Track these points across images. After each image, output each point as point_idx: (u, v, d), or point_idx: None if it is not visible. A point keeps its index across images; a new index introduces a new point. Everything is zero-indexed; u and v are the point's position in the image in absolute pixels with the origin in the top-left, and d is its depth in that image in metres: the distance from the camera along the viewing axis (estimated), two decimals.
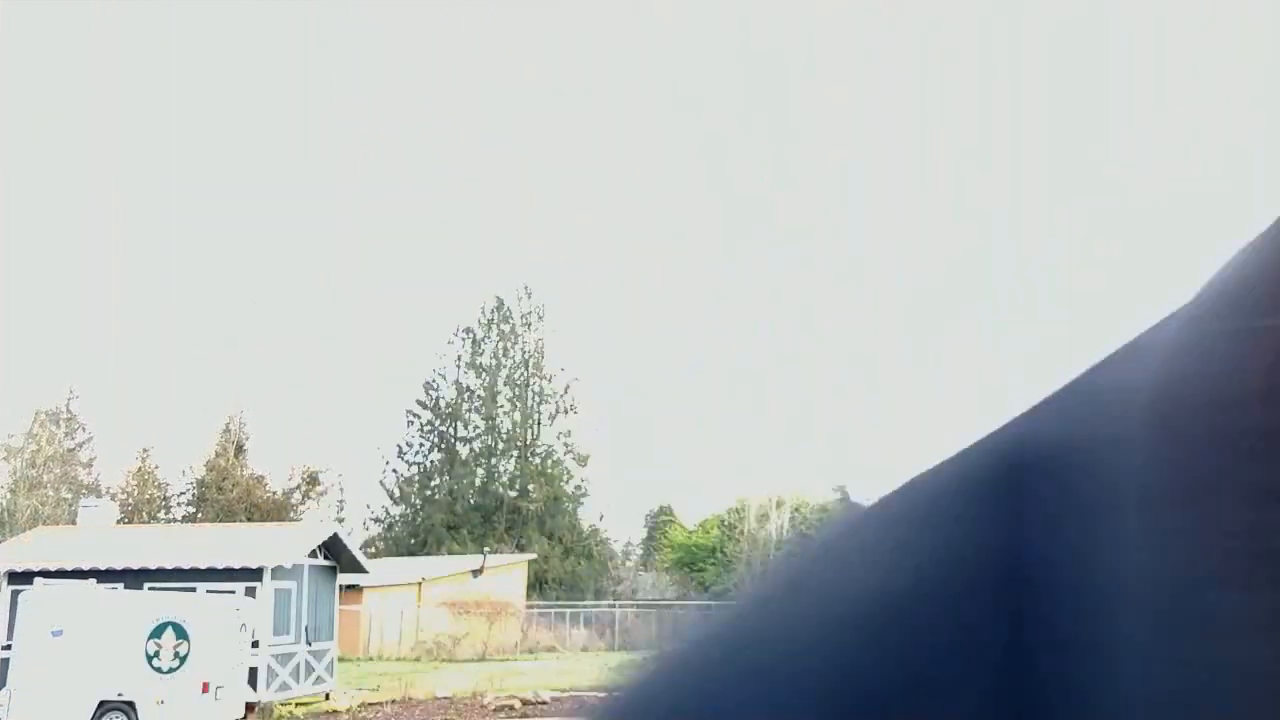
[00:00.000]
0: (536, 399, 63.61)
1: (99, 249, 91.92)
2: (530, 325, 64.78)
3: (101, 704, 15.82)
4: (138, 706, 15.77)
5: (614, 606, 51.10)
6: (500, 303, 64.62)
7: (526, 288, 65.08)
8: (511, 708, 18.47)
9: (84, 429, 58.21)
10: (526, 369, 63.76)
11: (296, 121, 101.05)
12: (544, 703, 19.20)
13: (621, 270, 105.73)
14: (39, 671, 16.04)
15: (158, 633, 16.19)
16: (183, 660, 16.05)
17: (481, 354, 64.03)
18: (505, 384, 63.57)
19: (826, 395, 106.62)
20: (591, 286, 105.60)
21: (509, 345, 64.20)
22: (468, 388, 63.58)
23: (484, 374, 63.59)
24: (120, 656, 16.02)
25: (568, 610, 49.44)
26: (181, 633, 16.18)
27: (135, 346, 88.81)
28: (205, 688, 15.98)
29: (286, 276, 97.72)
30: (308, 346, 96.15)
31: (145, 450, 53.07)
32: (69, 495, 50.21)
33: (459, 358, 63.95)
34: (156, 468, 53.32)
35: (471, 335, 64.19)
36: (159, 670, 16.01)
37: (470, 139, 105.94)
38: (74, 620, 16.36)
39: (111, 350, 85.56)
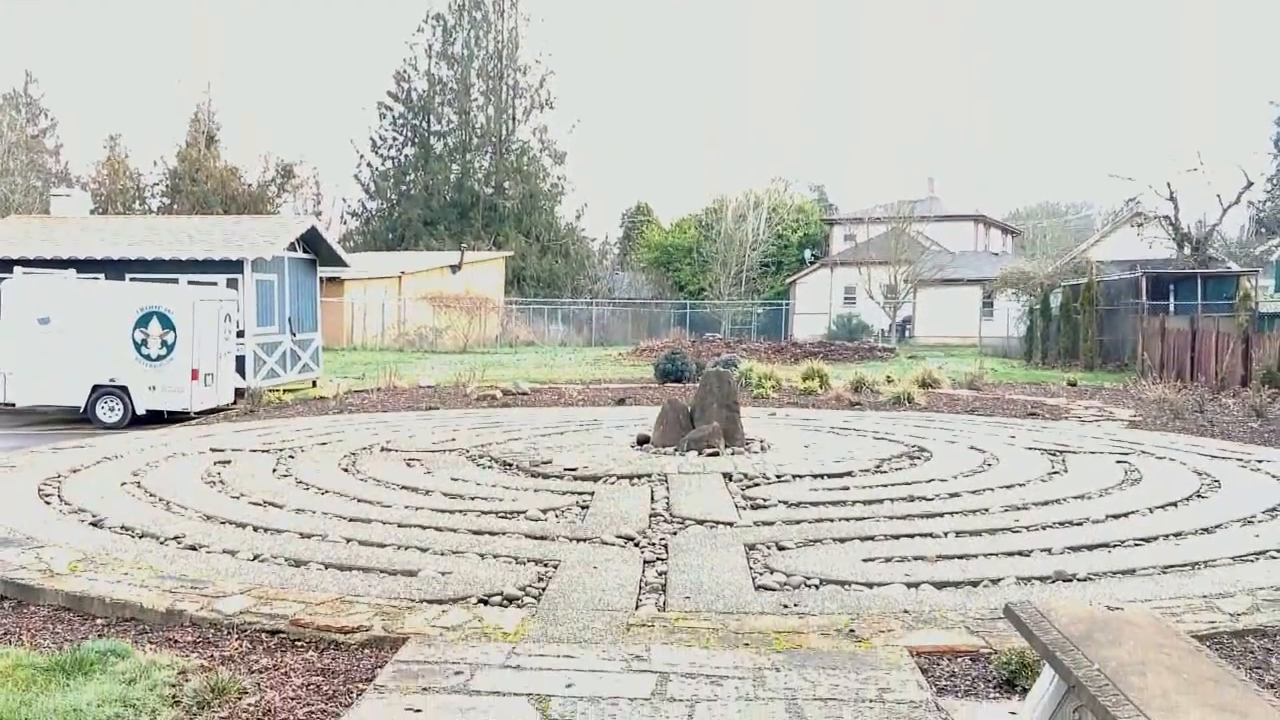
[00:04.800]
0: (511, 92, 61.72)
1: None
2: (503, 12, 61.69)
3: (95, 388, 16.39)
4: (131, 391, 16.34)
5: (591, 304, 52.23)
6: None
7: None
8: (493, 397, 19.25)
9: (46, 115, 56.43)
10: (500, 60, 61.38)
11: None
12: (524, 393, 20.01)
13: None
14: (31, 356, 16.48)
15: (144, 322, 16.49)
16: (170, 349, 16.47)
17: (453, 43, 61.36)
18: (478, 76, 61.42)
19: (807, 95, 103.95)
20: None
21: (481, 34, 61.40)
22: (440, 79, 61.44)
23: (456, 65, 61.25)
24: (109, 344, 16.40)
25: (545, 307, 50.53)
26: (167, 322, 16.49)
27: (96, 27, 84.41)
28: (195, 375, 16.50)
29: None
30: (275, 30, 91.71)
31: (113, 138, 51.70)
32: (39, 184, 49.40)
33: (430, 47, 61.32)
34: (127, 157, 52.19)
35: (442, 22, 61.20)
36: (148, 358, 16.46)
37: None
38: (59, 309, 16.61)
39: (70, 30, 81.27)
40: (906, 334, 45.96)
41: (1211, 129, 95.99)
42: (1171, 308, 29.67)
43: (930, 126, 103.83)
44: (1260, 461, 11.54)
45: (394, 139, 61.71)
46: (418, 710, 4.54)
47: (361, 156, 61.44)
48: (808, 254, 56.26)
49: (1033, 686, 4.34)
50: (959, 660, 5.29)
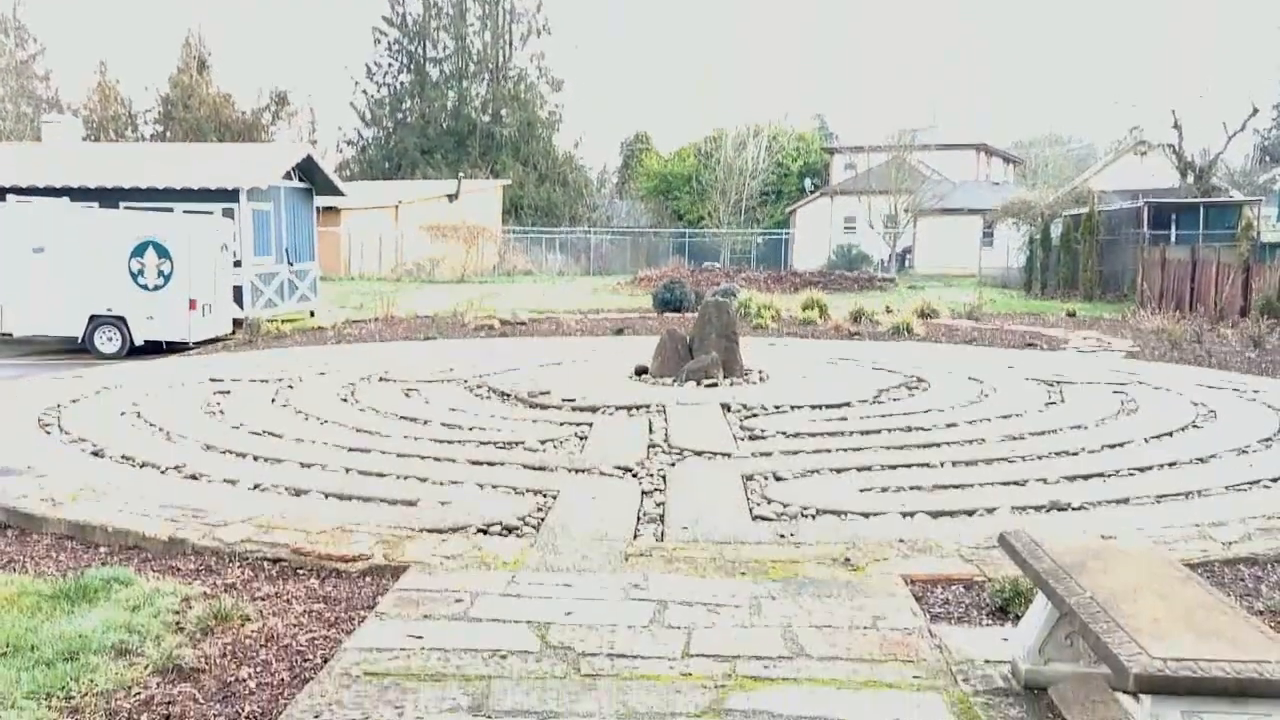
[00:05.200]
0: (508, 17, 60.63)
1: None
2: None
3: (93, 318, 16.36)
4: (128, 321, 16.32)
5: (589, 233, 51.91)
6: None
7: None
8: (491, 327, 19.23)
9: (35, 40, 55.51)
10: None
11: None
12: (522, 323, 19.99)
13: None
14: (27, 286, 16.42)
15: (139, 251, 16.40)
16: (167, 279, 16.40)
17: None
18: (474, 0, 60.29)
19: (808, 22, 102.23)
20: None
21: None
22: (435, 3, 60.30)
23: None
24: (105, 274, 16.33)
25: (543, 236, 50.22)
26: (163, 252, 16.40)
27: None
28: (192, 305, 16.46)
29: None
30: None
31: (103, 64, 50.92)
32: (29, 110, 48.79)
33: None
34: (118, 83, 51.46)
35: None
36: (145, 288, 16.40)
37: None
38: (54, 238, 16.51)
39: None
40: (906, 264, 45.79)
41: (1219, 56, 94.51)
42: (1173, 237, 29.52)
43: (932, 54, 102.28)
44: (1256, 391, 11.57)
45: (389, 65, 60.82)
46: (419, 636, 4.60)
47: (356, 83, 60.67)
48: (808, 183, 55.77)
49: (1026, 614, 4.40)
50: (953, 588, 5.35)
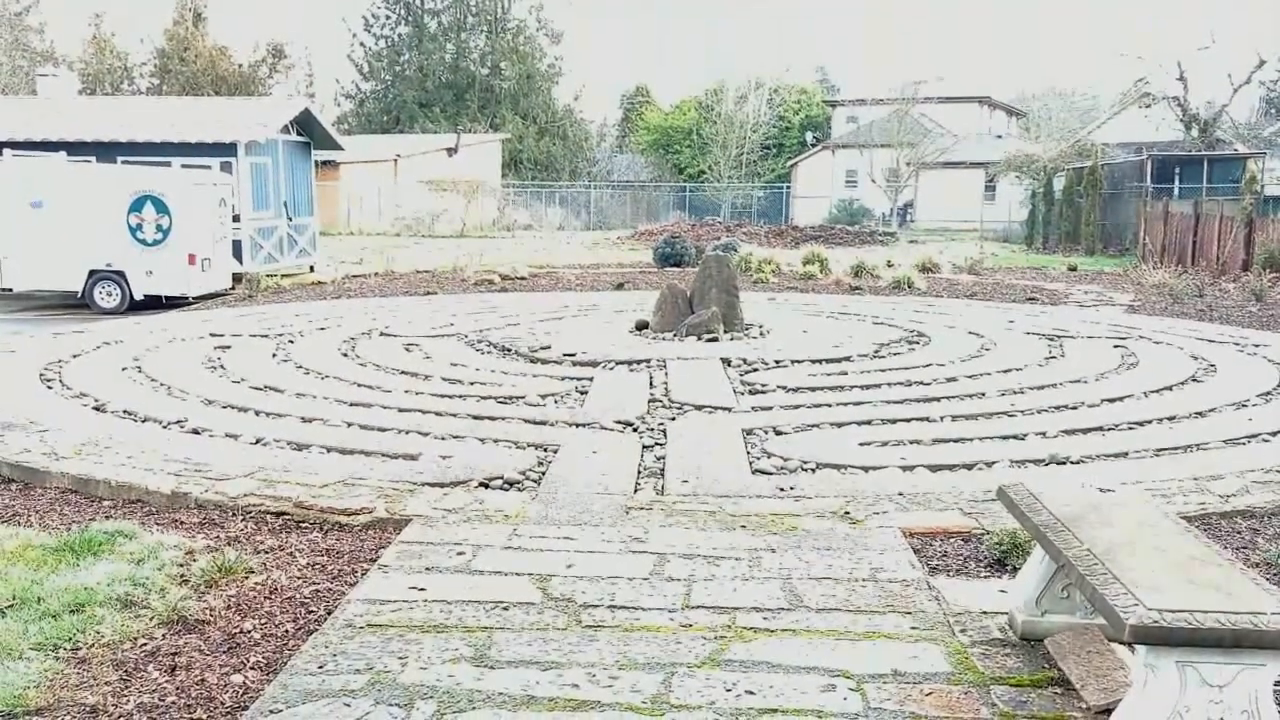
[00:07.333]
0: None
1: None
2: None
3: (92, 273, 16.32)
4: (128, 276, 16.28)
5: (589, 187, 51.60)
6: None
7: None
8: (490, 282, 19.20)
9: None
10: None
11: None
12: (522, 278, 19.95)
13: None
14: (26, 240, 16.36)
15: (137, 206, 16.32)
16: (165, 233, 16.33)
17: None
18: None
19: None
20: None
21: None
22: None
23: None
24: (104, 229, 16.27)
25: (543, 190, 49.93)
26: (161, 207, 16.31)
27: None
28: (191, 259, 16.41)
29: None
30: None
31: (98, 16, 50.32)
32: (24, 63, 48.28)
33: None
34: (113, 36, 50.89)
35: None
36: (144, 243, 16.34)
37: None
38: (52, 193, 16.41)
39: None
40: (908, 218, 45.57)
41: (1225, 6, 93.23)
42: (1176, 191, 29.38)
43: (936, 5, 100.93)
44: (1257, 346, 11.58)
45: (387, 17, 60.06)
46: (422, 589, 4.64)
47: (354, 35, 59.96)
48: (809, 136, 55.33)
49: (1023, 566, 4.43)
50: (951, 541, 5.39)
